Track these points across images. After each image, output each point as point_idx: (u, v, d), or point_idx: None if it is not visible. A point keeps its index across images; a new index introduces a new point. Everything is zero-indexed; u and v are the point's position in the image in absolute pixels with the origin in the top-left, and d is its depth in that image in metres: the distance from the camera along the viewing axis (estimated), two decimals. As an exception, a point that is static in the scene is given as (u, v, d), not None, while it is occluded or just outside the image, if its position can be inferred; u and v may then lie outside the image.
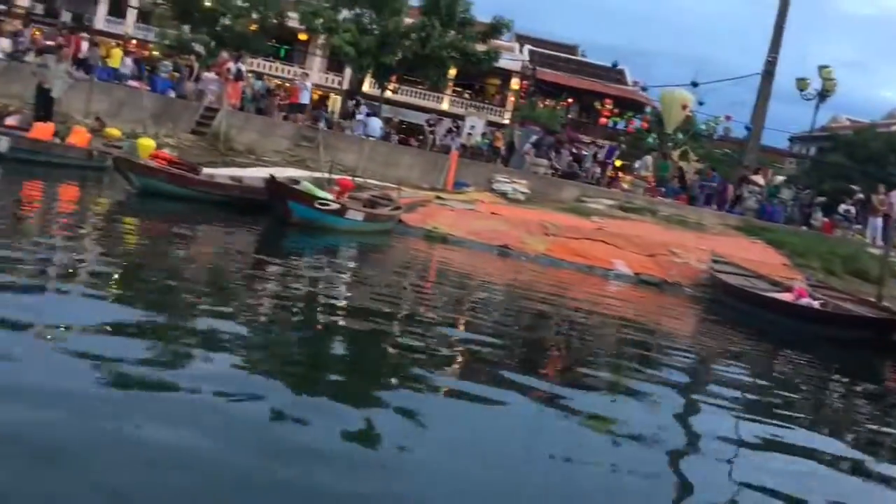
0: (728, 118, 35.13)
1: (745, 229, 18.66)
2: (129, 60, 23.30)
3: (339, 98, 34.78)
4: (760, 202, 21.49)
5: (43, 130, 13.24)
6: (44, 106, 15.20)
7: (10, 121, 14.03)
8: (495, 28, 26.78)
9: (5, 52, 21.59)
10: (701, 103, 27.76)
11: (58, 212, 9.70)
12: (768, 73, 24.24)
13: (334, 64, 36.96)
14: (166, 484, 2.95)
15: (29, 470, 2.85)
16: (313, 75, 35.69)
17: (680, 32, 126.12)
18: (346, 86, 35.34)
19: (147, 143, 12.20)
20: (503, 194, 19.33)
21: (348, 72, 34.66)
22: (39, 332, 4.46)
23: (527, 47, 36.29)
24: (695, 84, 25.25)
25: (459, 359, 6.00)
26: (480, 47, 26.57)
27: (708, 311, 12.67)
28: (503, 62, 29.12)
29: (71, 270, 6.32)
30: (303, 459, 3.39)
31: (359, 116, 23.75)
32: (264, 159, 19.52)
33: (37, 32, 27.22)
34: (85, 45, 22.41)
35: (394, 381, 4.96)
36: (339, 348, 5.83)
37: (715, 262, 14.48)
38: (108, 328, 4.72)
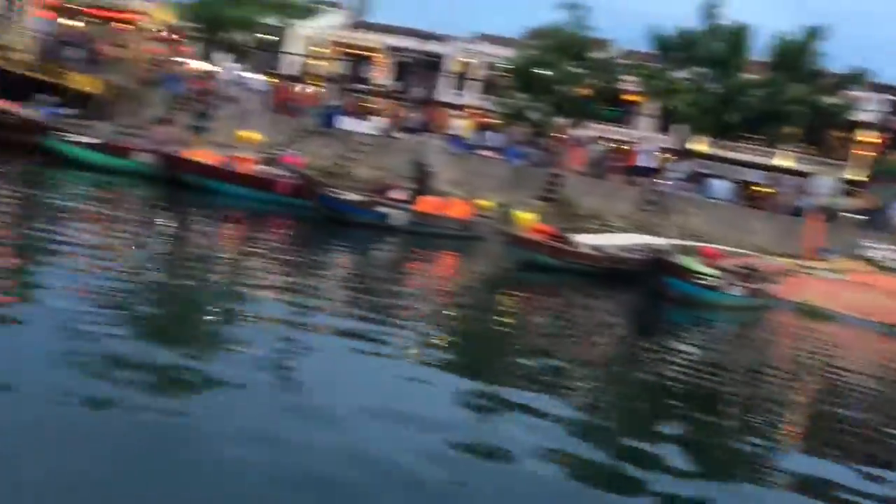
0: None
1: None
2: (494, 134, 25.32)
3: (668, 159, 34.38)
4: None
5: (429, 204, 14.69)
6: (422, 179, 16.84)
7: (396, 194, 15.56)
8: (851, 78, 24.67)
9: (380, 129, 24.52)
10: None
11: (453, 279, 10.70)
12: None
13: (662, 123, 36.62)
14: None
15: None
16: (641, 136, 35.65)
17: None
18: (674, 146, 34.82)
19: (525, 217, 12.98)
20: (871, 261, 17.53)
21: (676, 131, 34.15)
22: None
23: (887, 97, 32.77)
24: None
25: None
26: (832, 99, 24.62)
27: None
28: (855, 114, 26.69)
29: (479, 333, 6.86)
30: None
31: (672, 174, 23.31)
32: (609, 224, 19.79)
33: (400, 109, 30.71)
34: (455, 121, 24.73)
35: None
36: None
37: None
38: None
